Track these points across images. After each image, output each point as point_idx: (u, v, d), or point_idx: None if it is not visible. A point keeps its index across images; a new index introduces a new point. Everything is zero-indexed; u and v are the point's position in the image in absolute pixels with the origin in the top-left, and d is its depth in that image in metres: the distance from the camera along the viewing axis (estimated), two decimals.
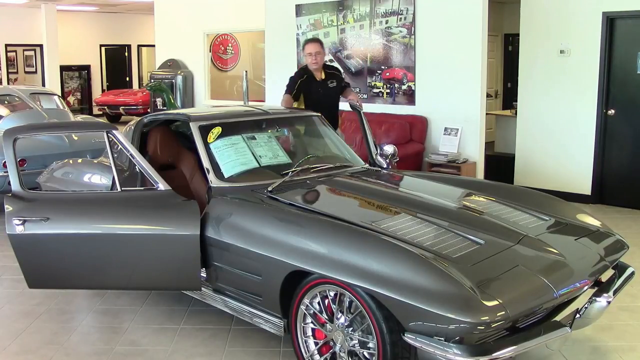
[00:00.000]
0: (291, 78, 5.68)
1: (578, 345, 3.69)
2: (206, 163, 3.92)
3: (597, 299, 3.09)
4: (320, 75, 5.66)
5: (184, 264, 3.57)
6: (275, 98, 8.66)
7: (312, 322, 3.21)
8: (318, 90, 5.63)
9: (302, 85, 5.61)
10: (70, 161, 5.27)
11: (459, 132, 7.07)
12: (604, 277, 3.34)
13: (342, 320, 3.05)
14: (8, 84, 16.14)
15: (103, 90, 18.73)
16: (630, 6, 6.68)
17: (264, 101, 9.34)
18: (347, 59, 8.06)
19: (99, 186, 4.57)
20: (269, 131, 4.46)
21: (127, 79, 19.83)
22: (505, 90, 10.98)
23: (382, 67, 7.78)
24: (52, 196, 4.13)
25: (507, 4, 9.90)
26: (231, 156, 4.00)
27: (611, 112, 6.97)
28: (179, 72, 12.07)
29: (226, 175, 3.89)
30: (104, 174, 4.55)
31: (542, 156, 7.45)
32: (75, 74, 18.94)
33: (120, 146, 3.89)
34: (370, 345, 2.92)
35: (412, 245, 2.96)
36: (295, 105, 5.53)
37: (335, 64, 7.69)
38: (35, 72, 17.56)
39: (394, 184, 4.27)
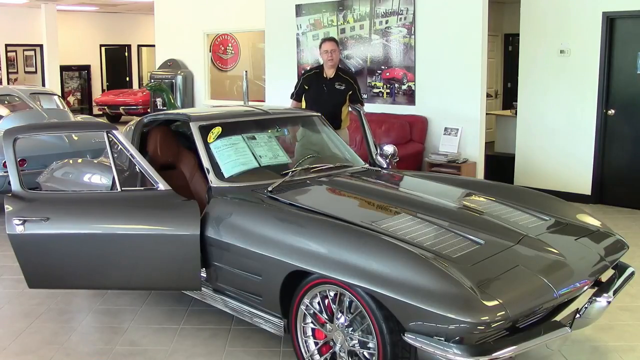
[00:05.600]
0: (297, 80, 5.88)
1: (578, 345, 3.69)
2: (206, 163, 3.92)
3: (597, 299, 3.09)
4: (330, 74, 5.73)
5: (184, 264, 3.57)
6: (275, 98, 8.68)
7: (312, 322, 3.21)
8: (322, 86, 5.72)
9: (304, 80, 5.82)
10: (70, 161, 5.27)
11: (459, 132, 7.06)
12: (604, 277, 3.34)
13: (342, 320, 3.05)
14: (8, 84, 16.14)
15: (103, 90, 18.73)
16: (630, 6, 6.68)
17: (264, 101, 9.34)
18: (347, 59, 8.05)
19: (99, 186, 4.57)
20: (269, 131, 4.47)
21: (127, 79, 19.83)
22: (505, 90, 10.99)
23: (382, 67, 7.78)
24: (52, 196, 4.13)
25: (507, 4, 9.91)
26: (231, 156, 4.00)
27: (611, 112, 6.97)
28: (179, 72, 12.07)
29: (226, 175, 3.89)
30: (104, 174, 4.55)
31: (542, 156, 7.45)
32: (75, 74, 18.94)
33: (120, 146, 3.89)
34: (370, 345, 2.92)
35: (412, 245, 2.96)
36: (303, 107, 5.67)
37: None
38: (35, 72, 17.56)
39: (394, 184, 4.27)
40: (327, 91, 5.69)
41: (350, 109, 5.69)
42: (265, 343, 3.73)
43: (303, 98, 5.81)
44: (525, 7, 7.47)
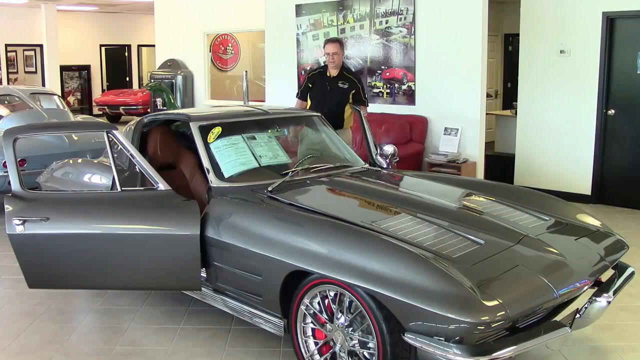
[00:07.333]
0: (302, 80, 5.93)
1: (578, 345, 3.69)
2: (206, 163, 3.92)
3: (597, 299, 3.10)
4: (334, 73, 5.76)
5: (184, 264, 3.57)
6: (275, 98, 8.68)
7: (312, 322, 3.21)
8: (325, 84, 5.75)
9: (309, 79, 5.88)
10: (70, 161, 5.26)
11: (459, 132, 7.06)
12: (604, 277, 3.34)
13: (342, 320, 3.05)
14: (8, 84, 16.14)
15: (103, 90, 18.74)
16: (630, 6, 6.68)
17: (264, 101, 9.34)
18: (347, 59, 8.05)
19: (99, 186, 4.57)
20: (269, 131, 4.47)
21: (127, 79, 19.83)
22: (505, 90, 10.99)
23: (382, 67, 7.77)
24: (52, 196, 4.13)
25: (507, 4, 9.90)
26: (231, 156, 4.00)
27: (611, 112, 6.97)
28: (179, 72, 12.06)
29: (226, 175, 3.89)
30: (104, 174, 4.55)
31: (542, 156, 7.45)
32: (75, 74, 18.94)
33: (120, 146, 3.89)
34: (370, 345, 2.92)
35: (412, 245, 2.96)
36: (308, 106, 5.68)
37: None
38: (35, 72, 17.55)
39: (394, 184, 4.27)
40: (331, 89, 5.71)
41: (350, 108, 5.70)
42: (265, 343, 3.73)
43: (308, 97, 5.84)
44: (525, 7, 7.47)
